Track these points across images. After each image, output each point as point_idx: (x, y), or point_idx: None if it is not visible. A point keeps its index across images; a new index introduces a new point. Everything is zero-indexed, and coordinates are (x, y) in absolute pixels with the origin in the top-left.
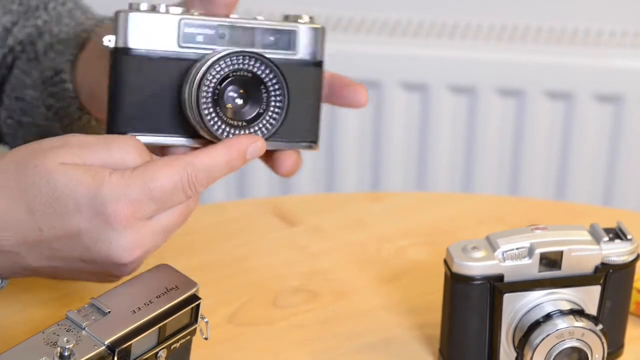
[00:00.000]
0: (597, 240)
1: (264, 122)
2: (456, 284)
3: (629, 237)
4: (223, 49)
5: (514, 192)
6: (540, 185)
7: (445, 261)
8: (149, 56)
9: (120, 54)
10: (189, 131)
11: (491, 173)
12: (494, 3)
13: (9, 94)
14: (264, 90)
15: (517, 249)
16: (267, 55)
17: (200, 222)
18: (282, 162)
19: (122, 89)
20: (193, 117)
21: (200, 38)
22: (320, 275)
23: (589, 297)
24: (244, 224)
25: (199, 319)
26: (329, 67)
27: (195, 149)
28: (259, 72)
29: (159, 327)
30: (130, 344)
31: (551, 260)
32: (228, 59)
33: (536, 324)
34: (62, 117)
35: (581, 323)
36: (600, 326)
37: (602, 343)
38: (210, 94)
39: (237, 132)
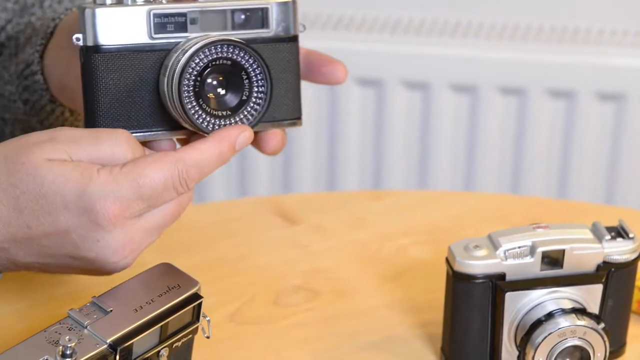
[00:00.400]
0: (599, 238)
1: (249, 109)
2: (458, 283)
3: (631, 235)
4: (199, 38)
5: (516, 190)
6: (542, 183)
7: (447, 260)
8: (121, 51)
9: (91, 52)
10: (171, 123)
11: (493, 171)
12: (495, 2)
13: None
14: (244, 77)
15: (519, 247)
16: (241, 36)
17: (202, 221)
18: (268, 142)
19: (97, 88)
20: (175, 111)
21: (171, 27)
22: (321, 274)
23: (591, 296)
24: (245, 222)
25: (201, 318)
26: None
27: (180, 140)
28: (239, 59)
29: (161, 326)
30: (132, 343)
31: (553, 259)
32: (206, 50)
33: (538, 323)
34: (38, 110)
35: (583, 322)
36: (602, 325)
37: (604, 342)
38: (191, 87)
39: (221, 122)
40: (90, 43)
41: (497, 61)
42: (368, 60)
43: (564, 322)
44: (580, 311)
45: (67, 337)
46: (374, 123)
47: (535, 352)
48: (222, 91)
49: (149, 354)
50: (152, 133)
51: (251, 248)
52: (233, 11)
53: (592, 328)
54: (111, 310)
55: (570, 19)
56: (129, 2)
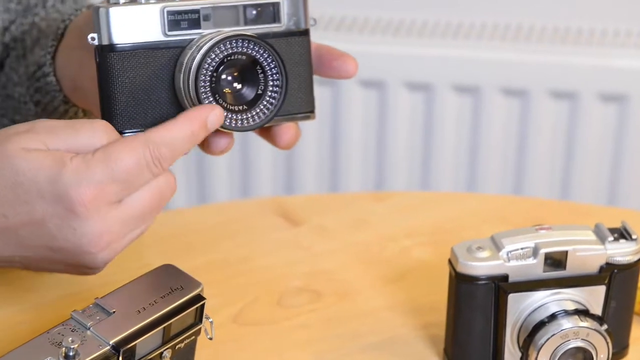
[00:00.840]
0: (602, 240)
1: (265, 102)
2: (461, 284)
3: (633, 237)
4: (213, 34)
5: (519, 191)
6: (544, 184)
7: (449, 261)
8: (136, 49)
9: (106, 51)
10: None
11: (495, 173)
12: (498, 3)
13: (0, 93)
14: (260, 71)
15: (522, 248)
16: (254, 31)
17: (204, 222)
18: (282, 136)
19: (113, 86)
20: (192, 106)
21: (184, 24)
22: (324, 275)
23: (594, 297)
24: (248, 223)
25: (204, 319)
26: None
27: None
28: (253, 53)
29: (164, 327)
30: (135, 344)
31: (556, 260)
32: (222, 45)
33: (541, 324)
34: (50, 112)
35: (586, 323)
36: (605, 326)
37: (607, 343)
38: (207, 83)
39: (238, 116)
40: (105, 42)
41: (500, 62)
42: (371, 61)
43: (566, 323)
44: (583, 313)
45: (70, 338)
46: (377, 124)
47: (538, 354)
48: (238, 86)
49: (152, 356)
50: None
51: (254, 249)
52: (245, 7)
53: (595, 329)
54: (114, 312)
55: (573, 20)
56: (142, 1)
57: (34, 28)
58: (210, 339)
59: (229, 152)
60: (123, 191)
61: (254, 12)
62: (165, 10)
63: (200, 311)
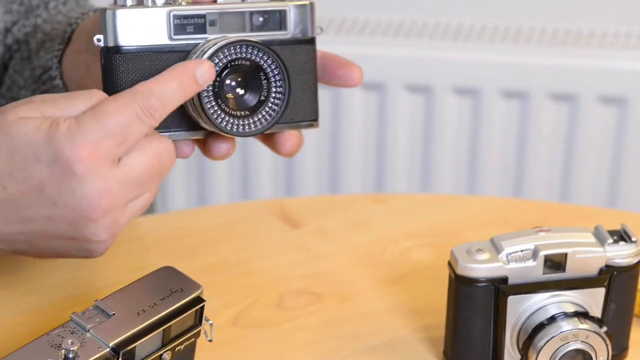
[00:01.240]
0: (602, 242)
1: (267, 109)
2: (460, 286)
3: (633, 239)
4: (218, 39)
5: (518, 193)
6: (544, 187)
7: (449, 263)
8: (141, 52)
9: (112, 53)
10: (190, 124)
11: (495, 175)
12: (497, 5)
13: (4, 95)
14: (263, 77)
15: (522, 251)
16: (260, 38)
17: (204, 224)
18: (284, 143)
19: (117, 88)
20: (194, 111)
21: (190, 28)
22: (324, 277)
23: (594, 300)
24: (248, 225)
25: (203, 321)
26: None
27: (198, 141)
28: (257, 59)
29: (164, 329)
30: (135, 346)
31: (555, 263)
32: (226, 50)
33: (540, 326)
34: None
35: (585, 325)
36: (604, 328)
37: (607, 345)
38: (210, 87)
39: (240, 121)
40: (111, 44)
41: (500, 64)
42: (371, 63)
43: (566, 325)
44: (582, 315)
45: (70, 340)
46: (377, 126)
47: (537, 356)
48: (241, 91)
49: (152, 358)
50: (171, 133)
51: (254, 251)
52: (251, 13)
53: (594, 332)
54: (114, 314)
55: (573, 22)
56: (149, 4)
57: (37, 30)
58: (210, 341)
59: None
60: (119, 147)
61: (261, 18)
62: (172, 14)
63: (200, 313)
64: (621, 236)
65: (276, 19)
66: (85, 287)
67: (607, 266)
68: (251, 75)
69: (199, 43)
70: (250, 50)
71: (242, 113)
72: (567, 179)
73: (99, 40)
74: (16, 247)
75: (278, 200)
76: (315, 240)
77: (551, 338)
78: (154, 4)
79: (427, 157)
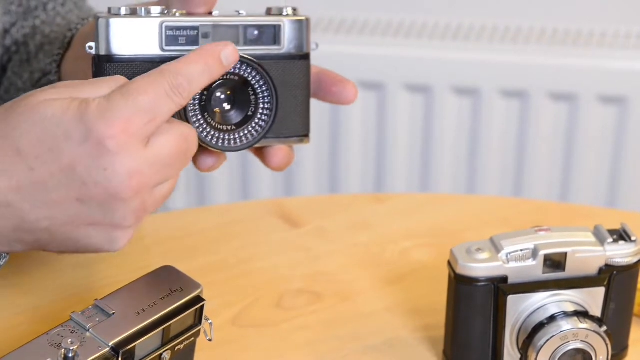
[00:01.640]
0: (601, 241)
1: (254, 124)
2: (460, 286)
3: (633, 238)
4: None
5: (518, 193)
6: (544, 186)
7: (449, 263)
8: (132, 61)
9: (103, 61)
10: None
11: (495, 174)
12: (497, 5)
13: (2, 96)
14: (251, 93)
15: (521, 250)
16: (253, 52)
17: (204, 224)
18: (272, 158)
19: None
20: None
21: (182, 40)
22: (324, 277)
23: (593, 299)
24: (248, 225)
25: (203, 321)
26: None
27: None
28: (246, 75)
29: (163, 329)
30: (135, 346)
31: (555, 262)
32: None
33: (540, 326)
34: None
35: (585, 325)
36: (604, 328)
37: (606, 345)
38: (197, 100)
39: (226, 136)
40: (102, 52)
41: (499, 64)
42: (370, 63)
43: (566, 325)
44: (582, 314)
45: (70, 340)
46: (377, 126)
47: (537, 355)
48: (228, 106)
49: (151, 357)
50: None
51: (253, 251)
52: (246, 27)
53: (594, 331)
54: (113, 313)
55: (572, 22)
56: (143, 14)
57: (36, 33)
58: (210, 340)
59: (228, 155)
60: (149, 124)
61: (256, 32)
62: (164, 25)
63: (199, 313)
64: (621, 235)
65: (270, 34)
66: (85, 287)
67: (606, 265)
68: (239, 90)
69: None
70: (238, 66)
71: (229, 127)
72: (566, 178)
73: (90, 48)
74: (37, 237)
75: (278, 200)
76: (315, 240)
77: (551, 337)
78: (148, 14)
79: (426, 156)
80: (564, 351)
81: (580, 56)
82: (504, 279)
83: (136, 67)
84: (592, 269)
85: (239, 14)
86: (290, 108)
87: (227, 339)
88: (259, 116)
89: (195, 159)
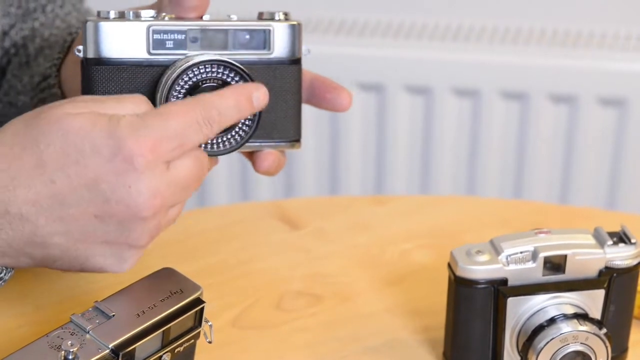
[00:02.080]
0: (601, 244)
1: (237, 129)
2: (460, 288)
3: (633, 240)
4: (193, 55)
5: (518, 195)
6: (544, 188)
7: (449, 265)
8: (120, 64)
9: (91, 64)
10: None
11: (495, 176)
12: (497, 6)
13: (2, 99)
14: None
15: (521, 252)
16: (242, 57)
17: (204, 225)
18: (261, 162)
19: None
20: None
21: (170, 44)
22: (324, 279)
23: (593, 301)
24: (248, 227)
25: (203, 323)
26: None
27: None
28: (229, 80)
29: (163, 331)
30: (134, 348)
31: (555, 264)
32: (196, 68)
33: (540, 328)
34: None
35: (585, 327)
36: (604, 330)
37: (606, 347)
38: None
39: (209, 140)
40: (90, 55)
41: (499, 65)
42: (370, 64)
43: (566, 327)
44: (582, 316)
45: (70, 341)
46: (376, 127)
47: (537, 358)
48: None
49: (151, 359)
50: None
51: (253, 252)
52: (235, 31)
53: (594, 333)
54: (113, 315)
55: (572, 23)
56: (131, 17)
57: (36, 35)
58: (210, 342)
59: (228, 156)
60: (176, 149)
61: (246, 36)
62: (151, 29)
63: (199, 315)
64: (621, 238)
65: (260, 39)
66: (84, 289)
67: (606, 268)
68: None
69: (178, 59)
70: (221, 70)
71: None
72: (566, 180)
73: (79, 51)
74: (47, 252)
75: (278, 201)
76: (315, 241)
77: (551, 340)
78: (136, 18)
79: (426, 158)
80: (563, 353)
81: (580, 57)
82: (504, 282)
83: (123, 71)
84: (592, 271)
85: (230, 18)
86: (281, 113)
87: (227, 340)
88: (243, 120)
89: None
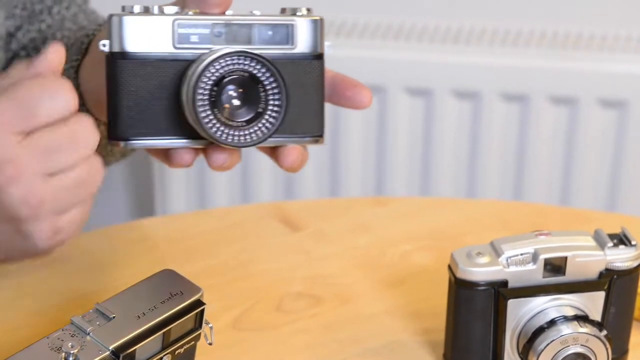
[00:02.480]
0: (602, 246)
1: (263, 121)
2: (460, 290)
3: (633, 242)
4: (219, 49)
5: (518, 197)
6: (544, 190)
7: (449, 267)
8: (145, 59)
9: (116, 58)
10: (190, 132)
11: (495, 178)
12: (498, 8)
13: None
14: (261, 90)
15: (522, 254)
16: (265, 52)
17: (204, 227)
18: (285, 157)
19: (120, 93)
20: (191, 118)
21: (195, 38)
22: (324, 280)
23: (593, 303)
24: (248, 228)
25: (203, 324)
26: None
27: (197, 150)
28: (255, 72)
29: (164, 333)
30: (135, 350)
31: (555, 266)
32: (223, 60)
33: (540, 330)
34: None
35: (585, 329)
36: (604, 332)
37: (606, 349)
38: (207, 95)
39: (235, 132)
40: (116, 49)
41: (500, 67)
42: (370, 66)
43: (566, 329)
44: (582, 318)
45: (70, 343)
46: (377, 129)
47: (537, 359)
48: (238, 102)
49: None
50: (171, 141)
51: (253, 254)
52: (259, 26)
53: (594, 335)
54: (114, 317)
55: (573, 26)
56: (156, 12)
57: (47, 37)
58: (210, 344)
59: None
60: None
61: (269, 32)
62: (176, 23)
63: (200, 316)
64: (621, 240)
65: (283, 34)
66: (85, 290)
67: (607, 270)
68: (249, 87)
69: (203, 53)
70: (248, 62)
71: (238, 124)
72: (567, 182)
73: (104, 45)
74: None
75: (278, 203)
76: (315, 243)
77: (551, 342)
78: (161, 12)
79: (427, 160)
80: (564, 355)
81: (580, 59)
82: (504, 283)
83: (148, 65)
84: (592, 273)
85: (253, 14)
86: (304, 108)
87: (228, 342)
88: (269, 113)
89: (207, 157)
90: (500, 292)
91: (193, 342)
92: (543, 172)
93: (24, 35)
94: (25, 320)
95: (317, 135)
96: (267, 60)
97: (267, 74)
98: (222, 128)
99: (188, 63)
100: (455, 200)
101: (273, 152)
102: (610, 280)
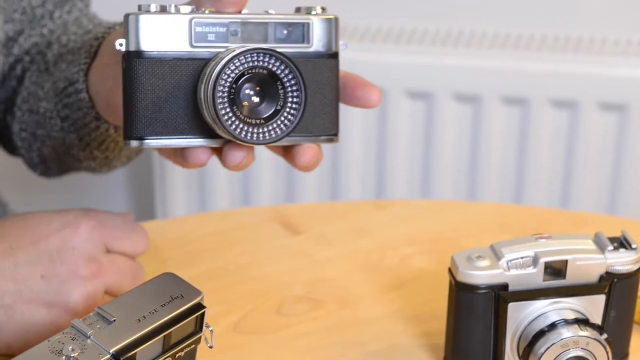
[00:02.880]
0: (602, 249)
1: (282, 118)
2: (461, 293)
3: (633, 246)
4: (237, 47)
5: (519, 200)
6: (544, 193)
7: (449, 270)
8: (162, 58)
9: (133, 57)
10: (207, 131)
11: (495, 181)
12: (498, 11)
13: (20, 106)
14: (280, 87)
15: (522, 258)
16: (282, 50)
17: (205, 230)
18: (301, 156)
19: (137, 92)
20: (210, 116)
21: (212, 37)
22: (324, 284)
23: (594, 306)
24: (249, 232)
25: (204, 328)
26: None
27: (214, 149)
28: (274, 69)
29: (164, 336)
30: (135, 353)
31: (556, 269)
32: (242, 57)
33: (541, 333)
34: (79, 127)
35: (586, 332)
36: (604, 335)
37: (607, 352)
38: (226, 93)
39: (254, 129)
40: (132, 48)
41: (500, 71)
42: (371, 70)
43: (566, 332)
44: (583, 322)
45: (70, 346)
46: (377, 132)
47: None
48: (257, 99)
49: None
50: (188, 140)
51: (254, 257)
52: (275, 24)
53: (594, 339)
54: (114, 320)
55: (573, 29)
56: (172, 11)
57: (51, 42)
58: (211, 347)
59: None
60: (117, 239)
61: (285, 31)
62: (193, 21)
63: (200, 320)
64: (621, 243)
65: (299, 32)
66: None
67: (607, 273)
68: (268, 84)
69: (219, 52)
70: (267, 59)
71: (257, 121)
72: (567, 185)
73: (120, 44)
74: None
75: (278, 206)
76: (316, 246)
77: (551, 345)
78: (177, 11)
79: (427, 163)
80: (564, 358)
81: (580, 63)
82: (505, 287)
83: (165, 64)
84: (592, 277)
85: (269, 13)
86: (319, 106)
87: (228, 345)
88: (288, 110)
89: (224, 155)
90: (501, 296)
91: (193, 346)
92: (543, 175)
93: (26, 40)
94: None
95: (332, 134)
96: (286, 57)
97: (286, 71)
98: (241, 125)
99: (205, 62)
100: (456, 203)
101: (287, 152)
102: (610, 284)
